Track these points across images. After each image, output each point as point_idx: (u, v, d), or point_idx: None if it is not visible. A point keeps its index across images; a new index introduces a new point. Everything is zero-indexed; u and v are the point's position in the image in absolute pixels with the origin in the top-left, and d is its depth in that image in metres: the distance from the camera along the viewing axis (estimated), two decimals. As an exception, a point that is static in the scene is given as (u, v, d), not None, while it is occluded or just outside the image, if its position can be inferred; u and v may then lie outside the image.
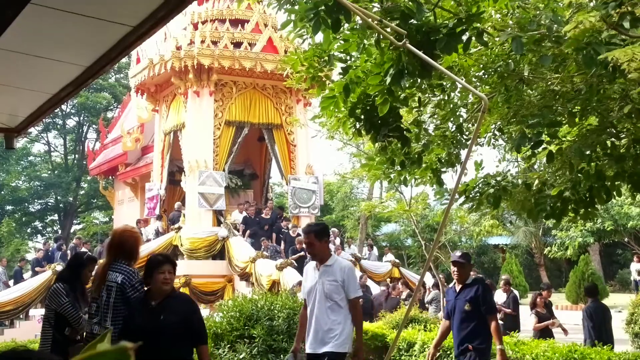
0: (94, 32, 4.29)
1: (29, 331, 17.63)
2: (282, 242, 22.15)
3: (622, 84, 5.24)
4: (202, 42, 22.32)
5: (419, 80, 5.19)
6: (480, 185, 6.65)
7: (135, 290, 5.93)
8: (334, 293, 6.75)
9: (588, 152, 5.87)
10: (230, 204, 24.20)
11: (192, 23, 23.58)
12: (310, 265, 7.22)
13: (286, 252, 21.18)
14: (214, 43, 22.54)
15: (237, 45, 22.88)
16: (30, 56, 4.71)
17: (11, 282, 23.50)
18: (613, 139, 5.89)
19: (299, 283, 17.19)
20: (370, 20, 4.47)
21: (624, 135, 5.89)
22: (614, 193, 6.18)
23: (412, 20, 4.61)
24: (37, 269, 22.10)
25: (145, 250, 21.67)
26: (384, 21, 4.51)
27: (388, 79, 4.75)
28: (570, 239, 33.01)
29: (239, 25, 23.67)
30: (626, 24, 4.52)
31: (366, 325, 12.84)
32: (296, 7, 5.18)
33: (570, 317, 24.07)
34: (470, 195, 6.70)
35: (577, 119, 5.77)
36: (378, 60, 4.98)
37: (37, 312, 19.16)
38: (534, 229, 37.69)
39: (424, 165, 6.51)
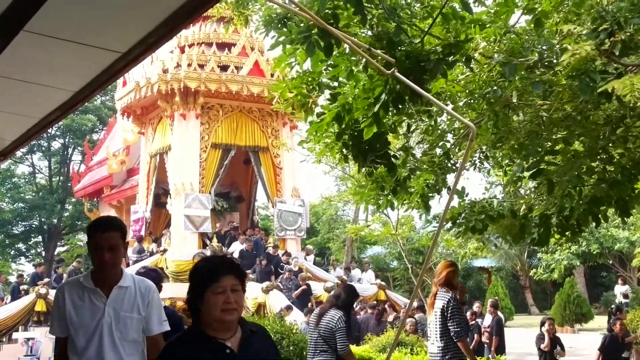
0: (84, 58, 4.31)
1: (12, 354, 17.49)
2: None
3: (608, 109, 5.32)
4: (189, 65, 22.36)
5: (407, 106, 5.24)
6: (467, 212, 6.67)
7: (454, 310, 7.25)
8: None
9: (575, 177, 5.92)
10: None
11: (179, 46, 23.63)
12: None
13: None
14: (201, 66, 22.59)
15: (224, 68, 22.94)
16: (19, 81, 4.72)
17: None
18: (604, 164, 5.95)
19: (287, 307, 17.16)
20: (359, 48, 4.51)
21: (614, 160, 5.95)
22: (601, 218, 6.23)
23: (401, 46, 4.67)
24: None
25: (131, 271, 21.56)
26: (372, 49, 4.56)
27: (377, 107, 4.79)
28: (556, 262, 33.14)
29: (226, 48, 23.75)
30: (617, 52, 4.61)
31: (353, 348, 12.81)
32: (284, 30, 5.24)
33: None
34: (457, 222, 6.72)
35: (563, 145, 5.84)
36: (367, 85, 5.02)
37: (21, 335, 18.99)
38: (518, 252, 37.82)
39: (412, 190, 6.53)
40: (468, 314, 16.52)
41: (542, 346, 12.87)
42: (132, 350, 4.37)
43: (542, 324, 13.21)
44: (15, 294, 22.65)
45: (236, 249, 22.29)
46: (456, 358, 7.28)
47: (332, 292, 7.98)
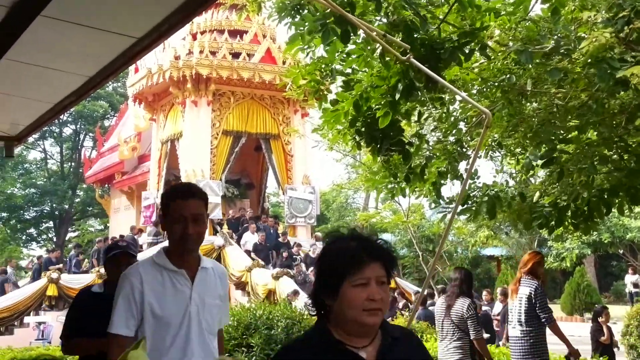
0: (99, 43, 4.32)
1: (24, 338, 17.62)
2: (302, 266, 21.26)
3: (624, 97, 5.31)
4: (201, 52, 22.39)
5: (419, 93, 5.24)
6: (477, 194, 6.69)
7: (542, 298, 7.56)
8: None
9: (587, 165, 5.91)
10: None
11: (191, 33, 23.66)
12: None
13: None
14: (213, 53, 22.61)
15: (236, 55, 22.95)
16: (35, 66, 4.74)
17: (23, 282, 23.64)
18: (619, 152, 5.94)
19: (294, 292, 17.22)
20: (374, 34, 4.52)
21: (630, 149, 5.94)
22: (616, 209, 6.23)
23: (417, 34, 4.67)
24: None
25: (142, 257, 21.65)
26: (387, 36, 4.56)
27: (397, 95, 4.80)
28: (567, 250, 33.08)
29: (238, 35, 23.76)
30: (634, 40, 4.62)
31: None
32: (297, 19, 5.24)
33: (566, 328, 24.11)
34: (467, 205, 6.73)
35: (576, 133, 5.83)
36: (383, 73, 5.03)
37: (33, 320, 19.14)
38: (529, 240, 37.78)
39: (425, 178, 6.53)
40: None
41: (602, 339, 11.76)
42: (214, 345, 3.62)
43: (598, 315, 12.21)
44: (36, 276, 22.83)
45: (248, 239, 22.26)
46: (538, 342, 7.62)
47: (453, 281, 8.41)
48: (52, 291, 19.71)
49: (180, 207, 3.54)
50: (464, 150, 6.61)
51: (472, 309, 7.98)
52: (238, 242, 22.09)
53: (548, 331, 7.73)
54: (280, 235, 23.13)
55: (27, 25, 3.72)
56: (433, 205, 7.50)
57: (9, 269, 24.07)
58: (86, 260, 24.27)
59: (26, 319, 19.71)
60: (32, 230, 52.03)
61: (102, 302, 4.47)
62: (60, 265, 22.19)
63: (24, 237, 51.97)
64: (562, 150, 5.80)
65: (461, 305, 8.00)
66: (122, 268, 4.46)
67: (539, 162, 5.87)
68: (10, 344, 15.72)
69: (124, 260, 4.84)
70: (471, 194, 6.73)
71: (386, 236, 43.16)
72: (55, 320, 18.46)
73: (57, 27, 3.92)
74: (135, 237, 23.68)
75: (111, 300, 4.52)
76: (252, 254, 21.32)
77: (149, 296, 3.44)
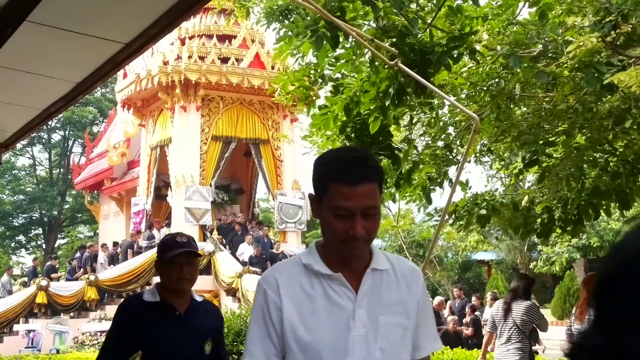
0: (86, 48, 4.30)
1: (14, 346, 17.51)
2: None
3: (613, 101, 5.33)
4: (190, 57, 22.36)
5: (409, 98, 5.25)
6: (469, 205, 6.68)
7: None
8: None
9: (575, 169, 5.93)
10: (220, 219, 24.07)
11: (180, 38, 23.61)
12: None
13: None
14: (201, 58, 22.59)
15: (224, 60, 22.93)
16: (22, 72, 4.71)
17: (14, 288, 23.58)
18: (607, 156, 5.97)
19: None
20: (363, 40, 4.52)
21: (617, 153, 5.97)
22: (603, 212, 6.24)
23: (408, 38, 4.67)
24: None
25: (132, 264, 21.59)
26: (376, 40, 4.56)
27: (386, 100, 4.80)
28: (557, 255, 33.19)
29: (226, 40, 23.73)
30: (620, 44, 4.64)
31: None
32: (285, 22, 5.24)
33: (557, 333, 24.11)
34: (459, 215, 6.73)
35: (568, 138, 5.84)
36: (372, 78, 5.03)
37: (22, 327, 19.03)
38: (519, 245, 37.86)
39: (414, 183, 6.53)
40: (467, 308, 16.57)
41: None
42: None
43: None
44: (31, 278, 22.76)
45: (244, 251, 22.09)
46: None
47: (511, 286, 8.67)
48: (41, 299, 19.61)
49: (345, 195, 2.18)
50: (453, 155, 6.61)
51: (536, 310, 8.27)
52: (233, 250, 21.97)
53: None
54: (272, 244, 22.94)
55: (13, 30, 3.70)
56: (422, 209, 7.48)
57: (5, 277, 23.97)
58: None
59: (15, 327, 19.60)
60: (21, 237, 51.74)
61: (159, 315, 3.86)
62: (62, 273, 22.14)
63: (12, 244, 51.68)
64: (546, 154, 5.82)
65: (526, 309, 8.20)
66: (184, 272, 3.88)
67: (518, 160, 5.89)
68: (0, 351, 15.62)
69: (185, 262, 3.88)
70: (464, 204, 6.72)
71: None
72: (44, 328, 18.37)
73: (43, 33, 3.90)
74: (133, 243, 23.61)
75: (170, 311, 3.90)
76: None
77: (290, 314, 2.27)
